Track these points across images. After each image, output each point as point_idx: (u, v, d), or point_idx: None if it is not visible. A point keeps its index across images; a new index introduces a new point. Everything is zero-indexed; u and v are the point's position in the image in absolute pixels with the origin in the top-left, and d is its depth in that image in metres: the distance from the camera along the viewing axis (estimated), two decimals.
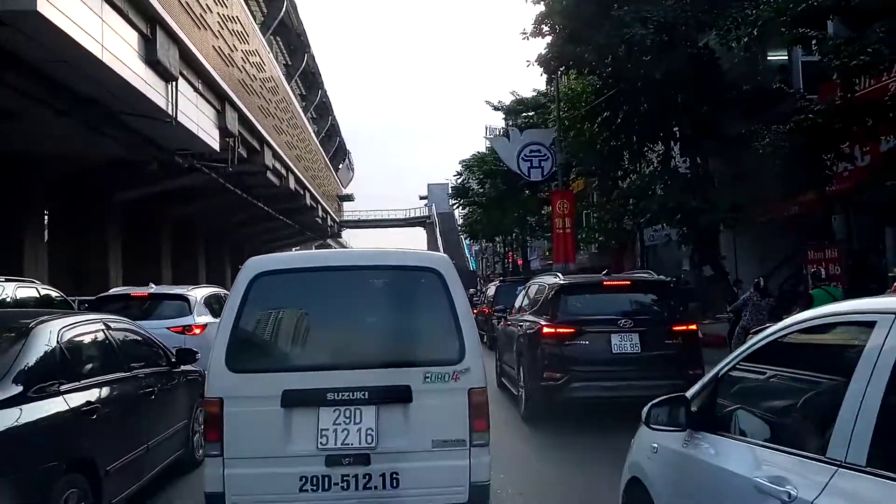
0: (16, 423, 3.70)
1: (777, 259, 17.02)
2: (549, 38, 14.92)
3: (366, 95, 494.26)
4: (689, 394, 3.10)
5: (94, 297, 11.75)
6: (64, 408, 4.11)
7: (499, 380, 10.09)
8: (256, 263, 4.28)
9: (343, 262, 4.63)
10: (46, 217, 22.35)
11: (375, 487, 3.86)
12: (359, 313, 4.38)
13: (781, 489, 2.20)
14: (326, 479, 3.85)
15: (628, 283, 8.66)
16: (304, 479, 3.84)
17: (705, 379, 3.14)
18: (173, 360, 6.12)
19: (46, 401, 4.01)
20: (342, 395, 3.88)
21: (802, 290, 14.71)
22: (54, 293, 12.36)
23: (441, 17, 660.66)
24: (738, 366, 2.96)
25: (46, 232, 22.14)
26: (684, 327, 7.81)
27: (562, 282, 8.55)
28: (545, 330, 7.75)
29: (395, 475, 3.88)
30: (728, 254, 17.36)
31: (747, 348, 2.96)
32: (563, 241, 20.07)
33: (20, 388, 3.86)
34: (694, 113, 13.85)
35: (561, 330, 7.60)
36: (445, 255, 4.64)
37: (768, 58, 15.32)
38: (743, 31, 12.54)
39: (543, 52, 15.01)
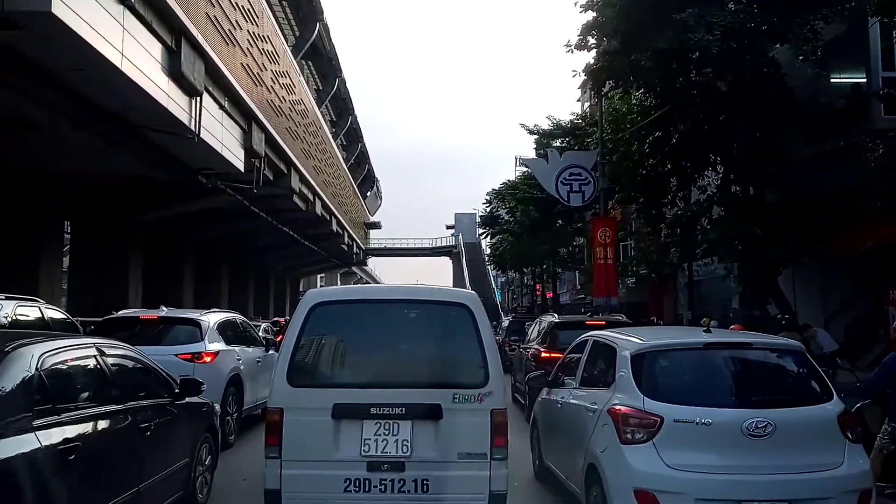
0: None
1: (842, 299, 15.49)
2: (594, 51, 13.86)
3: (396, 123, 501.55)
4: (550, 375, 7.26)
5: (100, 320, 10.99)
6: (35, 446, 3.60)
7: (512, 395, 12.73)
8: (315, 295, 5.10)
9: (386, 296, 5.33)
10: (67, 237, 21.80)
11: (409, 491, 4.45)
12: (398, 340, 5.00)
13: (562, 399, 6.43)
14: (367, 482, 4.45)
15: (604, 322, 10.83)
16: (348, 482, 4.44)
17: (556, 366, 7.33)
18: (177, 390, 5.71)
19: (14, 438, 3.50)
20: (383, 410, 4.50)
21: (882, 335, 13.14)
22: (59, 314, 11.68)
23: (473, 44, 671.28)
24: (566, 356, 7.18)
25: (67, 254, 21.58)
26: None
27: (555, 320, 11.83)
28: (542, 354, 10.62)
29: (425, 482, 4.45)
30: (785, 292, 15.81)
31: (570, 349, 7.20)
32: (605, 272, 18.56)
33: None
34: (756, 134, 12.57)
35: (553, 354, 9.80)
36: (474, 291, 5.32)
37: (836, 78, 14.04)
38: (817, 42, 11.31)
39: (591, 61, 13.89)
